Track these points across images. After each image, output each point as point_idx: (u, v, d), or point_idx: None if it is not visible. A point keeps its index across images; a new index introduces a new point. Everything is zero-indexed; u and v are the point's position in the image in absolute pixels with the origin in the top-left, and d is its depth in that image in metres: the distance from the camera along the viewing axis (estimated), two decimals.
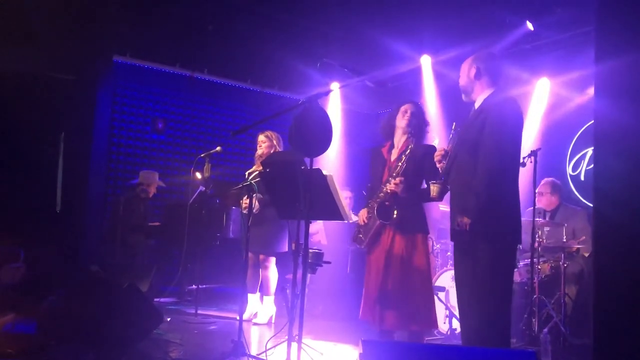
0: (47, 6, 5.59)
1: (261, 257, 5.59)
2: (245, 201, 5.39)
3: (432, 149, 3.97)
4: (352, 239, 4.39)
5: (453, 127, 3.53)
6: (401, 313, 3.98)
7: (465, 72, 3.58)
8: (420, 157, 4.05)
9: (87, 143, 6.82)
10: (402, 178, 4.00)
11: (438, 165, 3.56)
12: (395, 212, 4.00)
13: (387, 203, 4.06)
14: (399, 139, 4.25)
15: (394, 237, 4.09)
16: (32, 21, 5.63)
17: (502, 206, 3.30)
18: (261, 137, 5.74)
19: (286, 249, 5.64)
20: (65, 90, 6.67)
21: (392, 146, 4.27)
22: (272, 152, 5.61)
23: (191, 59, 7.74)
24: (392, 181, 4.02)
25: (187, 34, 6.94)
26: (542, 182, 6.12)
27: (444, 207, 6.21)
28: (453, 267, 3.97)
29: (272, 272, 5.64)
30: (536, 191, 6.03)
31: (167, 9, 6.38)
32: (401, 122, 4.22)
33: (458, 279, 3.53)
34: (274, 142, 5.69)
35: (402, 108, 4.24)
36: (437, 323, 4.21)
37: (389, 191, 4.02)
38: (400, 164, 4.07)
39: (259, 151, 5.69)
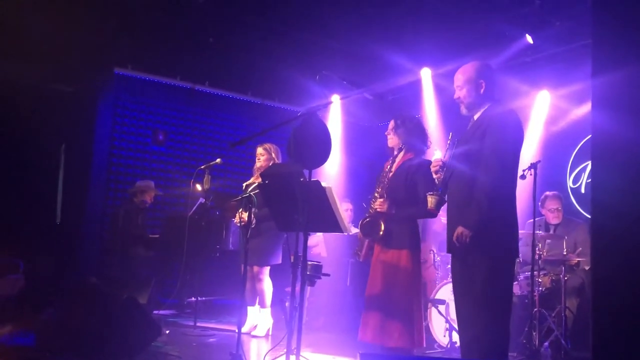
0: (48, 19, 5.62)
1: (255, 269, 5.57)
2: (240, 215, 5.38)
3: (426, 161, 3.96)
4: (353, 253, 4.38)
5: (449, 137, 3.53)
6: (380, 328, 3.92)
7: (472, 88, 3.51)
8: (413, 171, 4.04)
9: (87, 155, 6.85)
10: (383, 199, 4.02)
11: (435, 177, 3.53)
12: (382, 227, 3.99)
13: (368, 219, 4.07)
14: (397, 154, 4.25)
15: (380, 252, 4.08)
16: (33, 33, 5.65)
17: (502, 219, 3.30)
18: (259, 150, 5.76)
19: (280, 260, 5.62)
20: (66, 102, 6.71)
21: (393, 161, 4.26)
22: (270, 164, 5.62)
23: (192, 71, 7.78)
24: (377, 201, 4.05)
25: (188, 47, 6.98)
26: (550, 196, 6.05)
27: (445, 219, 6.16)
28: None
29: (266, 284, 5.60)
30: (549, 208, 6.00)
31: (168, 21, 6.42)
32: (389, 142, 4.25)
33: (456, 291, 3.51)
34: (273, 154, 5.72)
35: (388, 127, 4.25)
36: (422, 342, 4.02)
37: (377, 210, 4.04)
38: (385, 180, 4.10)
39: (258, 164, 5.72)
